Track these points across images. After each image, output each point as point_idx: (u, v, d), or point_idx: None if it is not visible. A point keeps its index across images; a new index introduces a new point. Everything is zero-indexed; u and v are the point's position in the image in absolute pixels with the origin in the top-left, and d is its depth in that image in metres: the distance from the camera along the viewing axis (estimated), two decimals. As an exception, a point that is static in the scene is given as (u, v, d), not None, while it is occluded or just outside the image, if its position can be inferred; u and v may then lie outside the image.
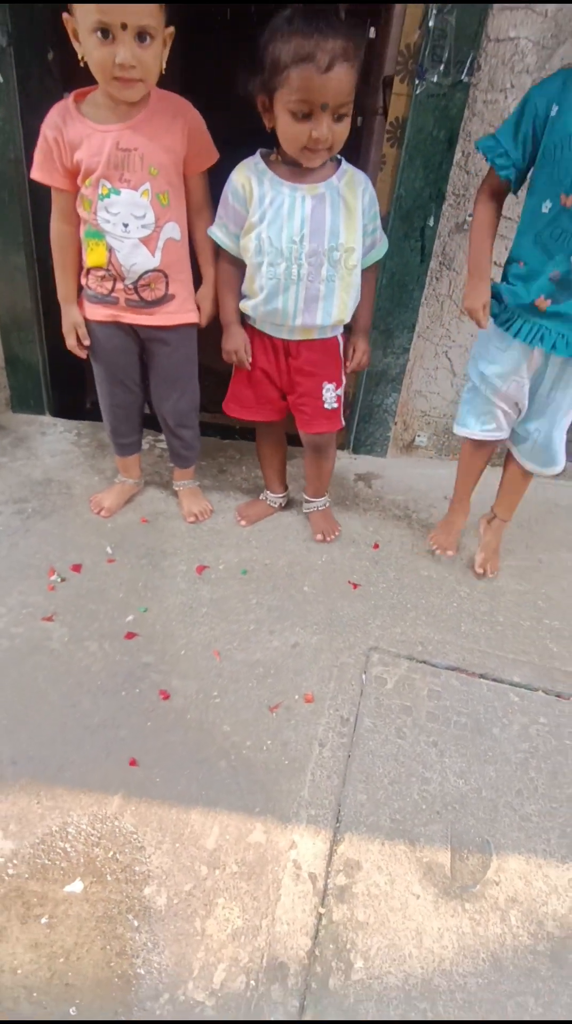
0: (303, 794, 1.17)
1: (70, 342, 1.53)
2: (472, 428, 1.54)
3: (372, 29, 2.34)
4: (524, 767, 1.26)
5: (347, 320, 1.47)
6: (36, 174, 1.34)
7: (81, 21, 1.14)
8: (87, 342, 1.52)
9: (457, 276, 1.86)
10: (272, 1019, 0.90)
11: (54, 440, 2.07)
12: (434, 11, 1.51)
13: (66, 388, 2.21)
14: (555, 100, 1.15)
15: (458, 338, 1.95)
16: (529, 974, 0.98)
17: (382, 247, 1.48)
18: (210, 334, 1.58)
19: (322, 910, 1.02)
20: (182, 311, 1.48)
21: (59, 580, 1.55)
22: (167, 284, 1.43)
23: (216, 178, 1.41)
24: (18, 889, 1.00)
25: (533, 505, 1.84)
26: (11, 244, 1.85)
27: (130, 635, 1.43)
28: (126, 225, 1.33)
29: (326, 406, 1.55)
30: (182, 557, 1.67)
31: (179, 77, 4.18)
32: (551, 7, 1.51)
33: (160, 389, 1.61)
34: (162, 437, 2.06)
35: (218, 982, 0.94)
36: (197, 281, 1.52)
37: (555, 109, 1.15)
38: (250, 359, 1.51)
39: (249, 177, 1.32)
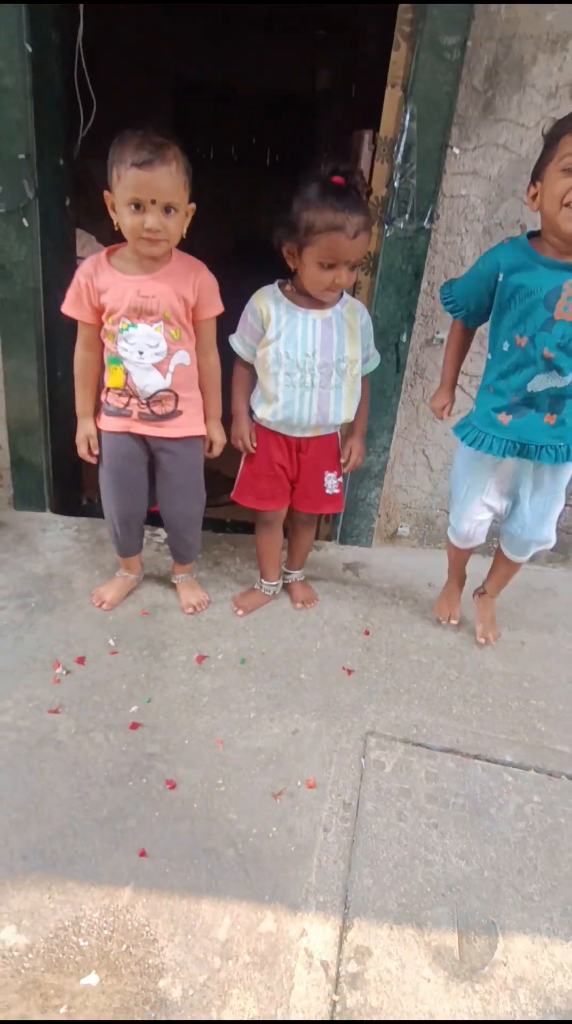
0: (311, 880, 1.19)
1: (82, 451, 1.68)
2: (452, 538, 1.77)
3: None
4: (523, 846, 1.30)
5: (351, 419, 1.72)
6: (67, 310, 1.54)
7: (119, 197, 1.38)
8: (96, 451, 1.68)
9: (429, 383, 2.07)
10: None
11: (55, 536, 2.16)
12: (398, 175, 1.80)
13: (66, 486, 2.34)
14: (499, 268, 1.42)
15: (433, 437, 2.15)
16: (543, 1059, 0.99)
17: (375, 361, 1.75)
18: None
19: (336, 997, 1.02)
20: (189, 425, 1.64)
21: (64, 673, 1.59)
22: (176, 401, 1.60)
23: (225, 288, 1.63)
24: (35, 981, 0.99)
25: (513, 590, 1.96)
26: (26, 360, 2.03)
27: (135, 725, 1.47)
28: (141, 352, 1.51)
29: (328, 491, 1.78)
30: (182, 647, 1.73)
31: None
32: (493, 171, 1.81)
33: (167, 495, 1.74)
34: (159, 531, 2.17)
35: None
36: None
37: (501, 275, 1.41)
38: (254, 445, 1.72)
39: (267, 302, 1.59)
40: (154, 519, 1.88)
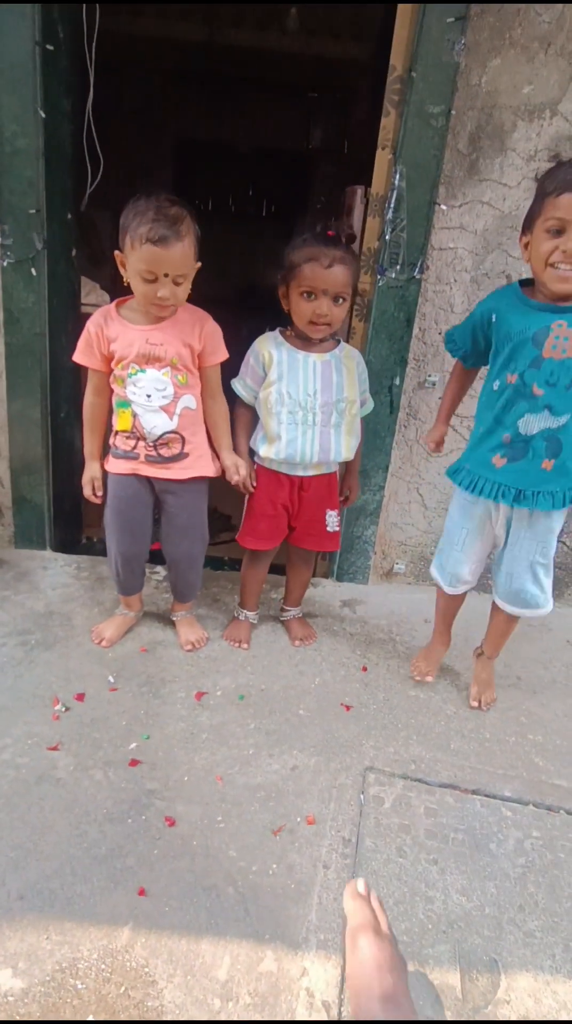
0: (311, 918, 1.19)
1: (87, 491, 1.73)
2: (443, 581, 1.72)
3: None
4: (523, 882, 1.29)
5: (352, 457, 1.77)
6: (79, 358, 1.61)
7: (132, 266, 1.46)
8: (100, 493, 1.72)
9: (423, 424, 2.14)
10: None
11: (55, 574, 2.18)
12: (389, 229, 1.90)
13: (67, 525, 2.37)
14: (493, 312, 1.49)
15: (427, 476, 2.20)
16: None
17: (370, 404, 1.84)
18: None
19: (338, 1039, 1.01)
20: (194, 467, 1.69)
21: (63, 709, 1.60)
22: (183, 444, 1.65)
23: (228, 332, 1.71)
24: (33, 1027, 0.98)
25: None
26: (30, 401, 2.10)
27: (134, 762, 1.47)
28: (149, 396, 1.58)
29: (329, 529, 1.83)
30: (181, 684, 1.74)
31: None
32: (479, 226, 1.92)
33: (172, 536, 1.78)
34: (158, 569, 2.20)
35: None
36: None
37: (494, 317, 1.48)
38: (254, 485, 1.77)
39: (269, 346, 1.67)
40: (154, 557, 1.92)
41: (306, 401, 1.65)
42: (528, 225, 1.39)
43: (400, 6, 1.76)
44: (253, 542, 1.82)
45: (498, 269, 1.97)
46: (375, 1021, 0.68)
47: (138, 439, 1.63)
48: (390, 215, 1.90)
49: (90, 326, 1.58)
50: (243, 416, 1.75)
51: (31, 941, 1.10)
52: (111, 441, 1.69)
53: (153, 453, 1.64)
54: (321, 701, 1.73)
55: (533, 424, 1.46)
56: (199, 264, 1.53)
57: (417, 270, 1.94)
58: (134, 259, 1.45)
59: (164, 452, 1.64)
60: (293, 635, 1.97)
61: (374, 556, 2.30)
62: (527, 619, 1.74)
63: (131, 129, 4.61)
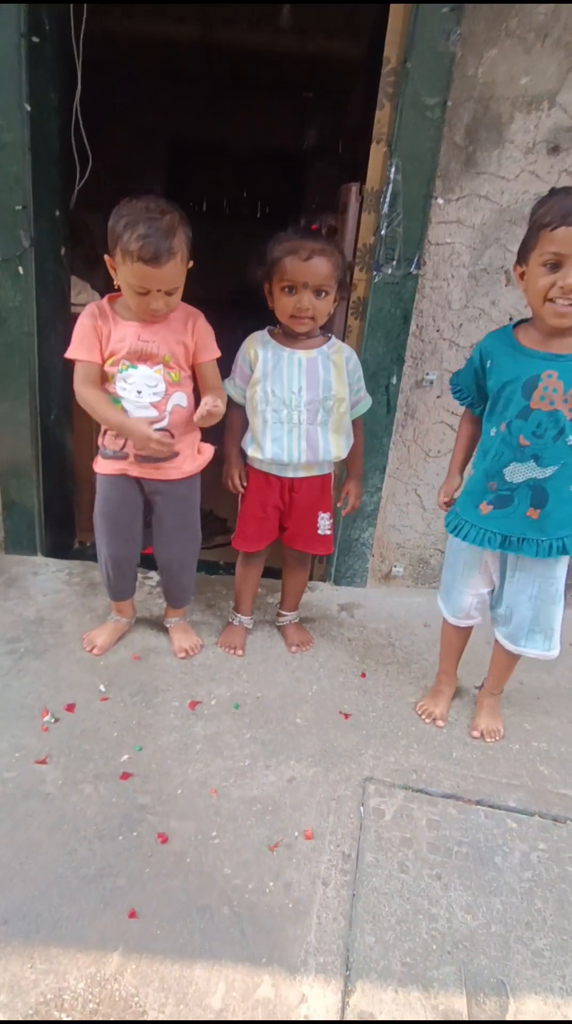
0: (310, 940, 1.13)
1: (151, 435, 1.50)
2: (447, 612, 1.64)
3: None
4: (530, 897, 1.24)
5: (342, 456, 1.71)
6: (74, 352, 1.52)
7: (122, 276, 1.41)
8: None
9: (420, 424, 2.10)
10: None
11: (46, 579, 2.13)
12: (385, 224, 1.86)
13: (58, 529, 2.32)
14: (488, 356, 1.43)
15: (425, 477, 2.16)
16: None
17: (366, 403, 1.77)
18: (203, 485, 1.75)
19: (339, 1071, 0.96)
20: (185, 466, 1.63)
21: (52, 720, 1.54)
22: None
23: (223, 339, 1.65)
24: (15, 1064, 0.92)
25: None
26: (19, 402, 2.04)
27: (125, 775, 1.42)
28: (139, 392, 1.53)
29: (320, 532, 1.77)
30: (175, 693, 1.69)
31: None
32: (477, 220, 1.88)
33: (163, 538, 1.72)
34: (151, 574, 2.15)
35: None
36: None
37: (489, 363, 1.43)
38: (244, 485, 1.72)
39: (255, 345, 1.63)
40: (147, 562, 1.86)
41: (290, 399, 1.60)
42: (523, 256, 1.33)
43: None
44: (241, 543, 1.77)
45: (496, 264, 1.92)
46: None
47: (127, 438, 1.58)
48: (385, 210, 1.85)
49: (84, 319, 1.52)
50: (233, 417, 1.70)
51: (14, 970, 1.05)
52: (99, 441, 1.64)
53: (143, 453, 1.58)
54: (319, 709, 1.68)
55: (518, 473, 1.41)
56: (191, 264, 1.48)
57: (413, 266, 1.90)
58: (125, 272, 1.40)
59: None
60: (289, 641, 1.92)
61: (372, 559, 2.25)
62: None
63: (123, 129, 4.57)
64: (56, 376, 2.11)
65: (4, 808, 1.31)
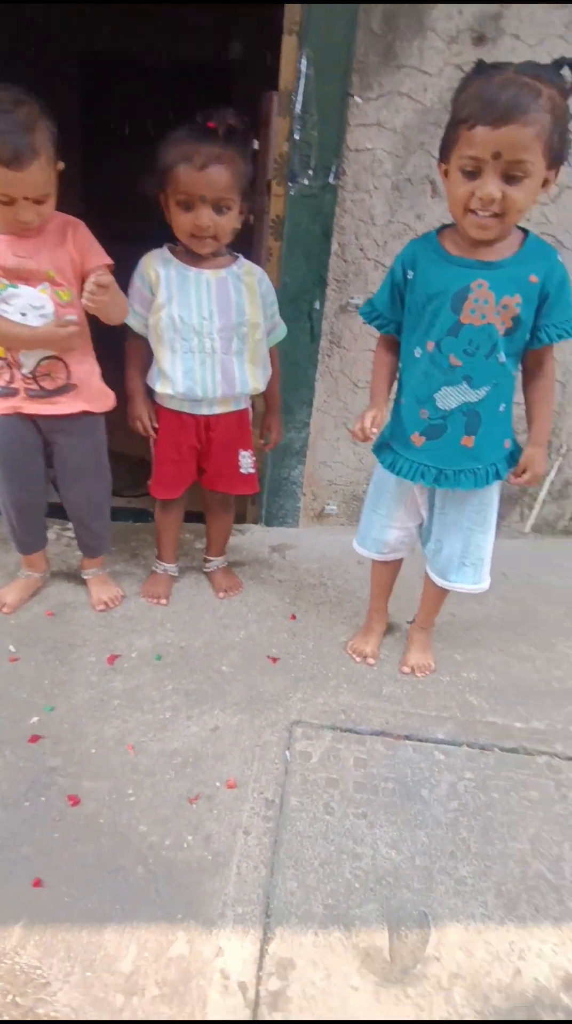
0: (229, 891, 1.09)
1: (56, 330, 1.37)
2: (369, 549, 1.56)
3: (255, 142, 2.61)
4: (455, 827, 1.23)
5: (261, 389, 1.57)
6: None
7: None
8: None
9: (347, 352, 1.98)
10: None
11: (-48, 537, 1.97)
12: (299, 127, 1.68)
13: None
14: (409, 267, 1.28)
15: (355, 409, 2.05)
16: (480, 1059, 0.92)
17: (281, 330, 1.63)
18: (118, 421, 1.60)
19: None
20: (84, 400, 1.48)
21: (-45, 686, 1.43)
22: (68, 372, 1.44)
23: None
24: None
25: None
26: None
27: (35, 738, 1.33)
28: (23, 314, 1.35)
29: (243, 471, 1.66)
30: (92, 648, 1.59)
31: (83, 187, 4.40)
32: (398, 122, 1.72)
33: (67, 482, 1.58)
34: (69, 525, 2.01)
35: None
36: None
37: (411, 274, 1.28)
38: (155, 427, 1.58)
39: (155, 264, 1.45)
40: (62, 512, 1.72)
41: (202, 325, 1.44)
42: (445, 153, 1.17)
43: None
44: (158, 490, 1.65)
45: (421, 173, 1.78)
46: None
47: (13, 367, 1.41)
48: (298, 110, 1.67)
49: None
50: (135, 349, 1.54)
51: None
52: None
53: (34, 386, 1.42)
54: (246, 655, 1.61)
55: (451, 398, 1.29)
56: (62, 165, 1.29)
57: (332, 175, 1.73)
58: None
59: (46, 384, 1.43)
60: (217, 587, 1.83)
61: (303, 498, 2.16)
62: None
63: (30, 41, 4.10)
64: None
65: None
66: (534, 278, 1.21)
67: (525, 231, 1.25)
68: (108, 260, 1.42)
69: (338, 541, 2.13)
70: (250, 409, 1.65)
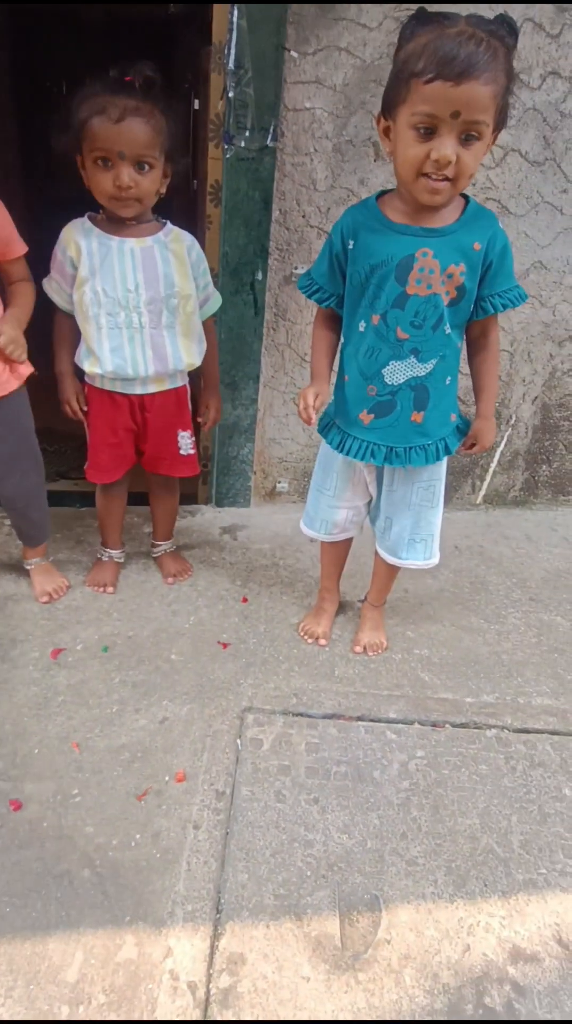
0: (178, 889, 1.07)
1: None
2: (317, 531, 1.52)
3: (196, 101, 2.46)
4: (406, 807, 1.23)
5: (196, 364, 1.50)
6: None
7: None
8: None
9: (293, 326, 1.91)
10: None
11: None
12: (233, 83, 1.58)
13: None
14: (349, 236, 1.20)
15: (303, 383, 2.00)
16: (431, 1037, 0.93)
17: (216, 301, 1.55)
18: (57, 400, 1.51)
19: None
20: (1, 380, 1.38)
21: None
22: None
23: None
24: None
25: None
26: None
27: (-27, 741, 1.27)
28: None
29: (182, 452, 1.59)
30: (35, 642, 1.53)
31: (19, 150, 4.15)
32: (338, 80, 1.63)
33: None
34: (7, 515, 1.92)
35: None
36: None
37: (351, 243, 1.20)
38: (85, 409, 1.51)
39: (75, 236, 1.35)
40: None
41: (127, 299, 1.36)
42: (389, 108, 1.07)
43: None
44: (95, 475, 1.58)
45: (363, 135, 1.70)
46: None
47: None
48: (231, 65, 1.57)
49: None
50: (63, 327, 1.45)
51: None
52: None
53: None
54: (196, 642, 1.58)
55: (399, 373, 1.24)
56: None
57: (270, 137, 1.64)
58: None
59: None
60: (166, 572, 1.78)
61: (254, 476, 2.11)
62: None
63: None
64: None
65: None
66: (477, 245, 1.16)
67: (466, 197, 1.20)
68: (23, 247, 1.33)
69: (290, 519, 2.09)
70: (187, 387, 1.57)
